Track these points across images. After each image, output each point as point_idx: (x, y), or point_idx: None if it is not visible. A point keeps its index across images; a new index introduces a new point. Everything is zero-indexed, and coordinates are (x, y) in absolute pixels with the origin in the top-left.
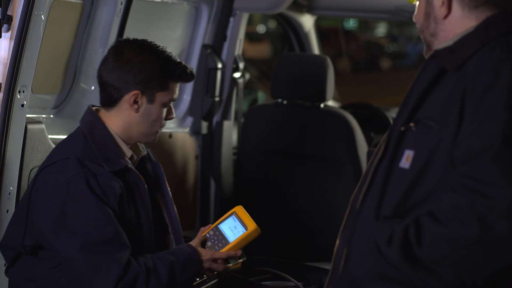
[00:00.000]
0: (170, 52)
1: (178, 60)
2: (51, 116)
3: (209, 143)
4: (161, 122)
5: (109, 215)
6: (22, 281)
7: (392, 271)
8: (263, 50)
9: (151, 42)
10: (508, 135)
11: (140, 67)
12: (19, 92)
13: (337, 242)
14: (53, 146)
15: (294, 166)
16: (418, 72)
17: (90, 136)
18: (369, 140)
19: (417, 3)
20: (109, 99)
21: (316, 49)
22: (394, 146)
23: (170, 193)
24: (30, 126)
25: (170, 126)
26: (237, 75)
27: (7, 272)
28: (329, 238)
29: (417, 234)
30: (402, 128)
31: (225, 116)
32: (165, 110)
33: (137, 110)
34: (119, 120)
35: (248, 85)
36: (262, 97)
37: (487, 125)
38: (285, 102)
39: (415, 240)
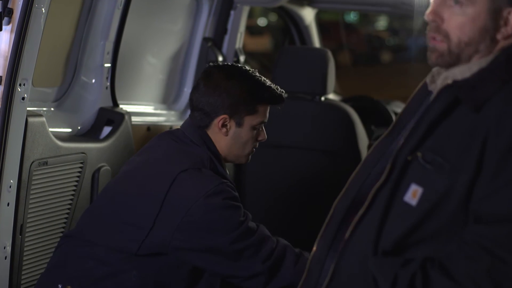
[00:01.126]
0: (259, 76)
1: (268, 83)
2: (52, 109)
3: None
4: (252, 143)
5: (244, 211)
6: (87, 260)
7: None
8: (264, 43)
9: (241, 66)
10: None
11: (228, 92)
12: (20, 85)
13: (314, 248)
14: (54, 139)
15: (295, 158)
16: (430, 100)
17: (209, 151)
18: (369, 133)
19: (460, 8)
20: (201, 122)
21: (316, 42)
22: (398, 175)
23: None
24: (30, 119)
25: (171, 119)
26: None
27: (60, 247)
28: None
29: (425, 286)
30: (409, 158)
31: None
32: (255, 132)
33: (226, 134)
34: (218, 142)
35: None
36: None
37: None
38: (285, 95)
39: None
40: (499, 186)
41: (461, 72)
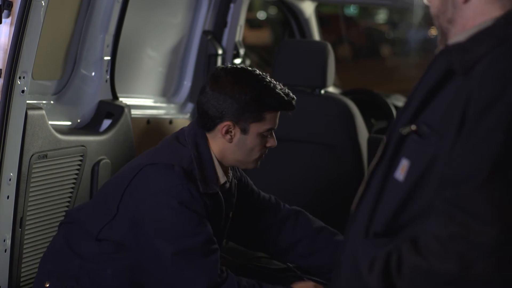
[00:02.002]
0: (269, 81)
1: (278, 89)
2: (52, 102)
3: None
4: (260, 150)
5: (203, 225)
6: (67, 251)
7: None
8: (263, 36)
9: (251, 70)
10: (501, 162)
11: (234, 97)
12: (20, 78)
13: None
14: (54, 132)
15: (294, 151)
16: (426, 69)
17: (195, 153)
18: (369, 126)
19: None
20: (204, 126)
21: (316, 35)
22: (392, 151)
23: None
24: (30, 112)
25: (170, 112)
26: (237, 61)
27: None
28: (327, 222)
29: (397, 263)
30: (403, 131)
31: None
32: (263, 138)
33: (230, 140)
34: (215, 145)
35: None
36: None
37: (481, 147)
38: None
39: (396, 269)
40: (469, 147)
41: (457, 37)
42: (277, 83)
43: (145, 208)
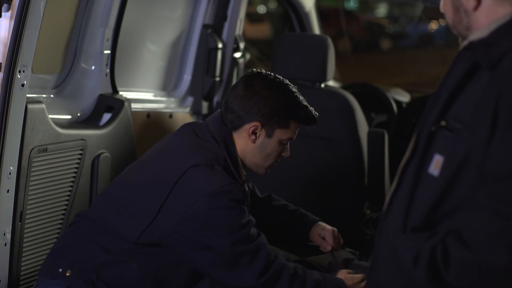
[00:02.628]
0: (299, 94)
1: (305, 103)
2: (52, 96)
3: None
4: (275, 157)
5: (248, 214)
6: (90, 245)
7: None
8: (263, 30)
9: (283, 80)
10: None
11: (266, 101)
12: (19, 72)
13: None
14: (54, 126)
15: (295, 145)
16: (450, 65)
17: (226, 150)
18: (369, 120)
19: None
20: (231, 123)
21: (316, 29)
22: (423, 148)
23: None
24: (30, 106)
25: (170, 106)
26: (237, 55)
27: (72, 225)
28: (327, 216)
29: (444, 258)
30: (433, 128)
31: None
32: (281, 147)
33: (254, 141)
34: (239, 145)
35: (249, 66)
36: None
37: None
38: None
39: (442, 264)
40: (509, 143)
41: (479, 33)
42: (303, 98)
43: (196, 210)
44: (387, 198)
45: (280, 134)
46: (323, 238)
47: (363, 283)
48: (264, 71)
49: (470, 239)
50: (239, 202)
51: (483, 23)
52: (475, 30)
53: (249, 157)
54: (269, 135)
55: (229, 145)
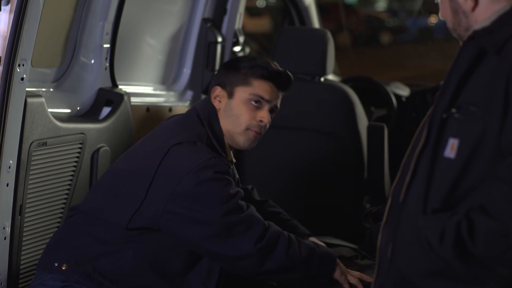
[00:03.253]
0: (274, 63)
1: (276, 65)
2: (51, 89)
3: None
4: (246, 120)
5: (235, 185)
6: (84, 236)
7: (445, 268)
8: (263, 24)
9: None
10: None
11: (227, 67)
12: (19, 65)
13: (380, 236)
14: (53, 119)
15: (294, 139)
16: (456, 55)
17: (209, 127)
18: (369, 114)
19: (439, 0)
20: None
21: (316, 23)
22: (436, 134)
23: None
24: (29, 100)
25: (170, 100)
26: (237, 49)
27: (66, 220)
28: (327, 210)
29: (470, 231)
30: (444, 115)
31: None
32: (250, 107)
33: (219, 106)
34: (221, 122)
35: None
36: None
37: None
38: (289, 76)
39: (468, 237)
40: None
41: (481, 24)
42: (277, 64)
43: (183, 186)
44: (403, 188)
45: (241, 92)
46: None
47: (357, 274)
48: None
49: (495, 210)
50: (224, 173)
51: (481, 22)
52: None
53: (223, 127)
54: (230, 95)
55: (213, 123)
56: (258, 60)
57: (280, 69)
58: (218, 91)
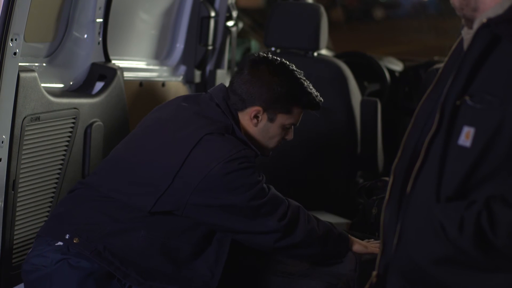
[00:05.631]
0: (304, 80)
1: (311, 89)
2: (44, 64)
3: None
4: (278, 141)
5: (263, 178)
6: (98, 214)
7: (461, 255)
8: None
9: (290, 65)
10: None
11: (269, 86)
12: (11, 40)
13: (383, 214)
14: (46, 94)
15: None
16: (469, 42)
17: (234, 125)
18: (362, 89)
19: None
20: (235, 105)
21: None
22: (449, 121)
23: None
24: (22, 75)
25: (163, 75)
26: (230, 23)
27: (73, 192)
28: (320, 185)
29: (491, 222)
30: (458, 102)
31: (218, 65)
32: (284, 131)
33: (256, 125)
34: (242, 125)
35: (242, 34)
36: (255, 46)
37: None
38: (278, 50)
39: (490, 228)
40: None
41: (493, 11)
42: (309, 83)
43: (213, 175)
44: (413, 174)
45: (282, 119)
46: None
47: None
48: (271, 56)
49: None
50: (250, 162)
51: (490, 3)
52: (482, 11)
53: (252, 134)
54: (271, 119)
55: (236, 121)
56: (300, 84)
57: (317, 96)
58: (260, 113)
